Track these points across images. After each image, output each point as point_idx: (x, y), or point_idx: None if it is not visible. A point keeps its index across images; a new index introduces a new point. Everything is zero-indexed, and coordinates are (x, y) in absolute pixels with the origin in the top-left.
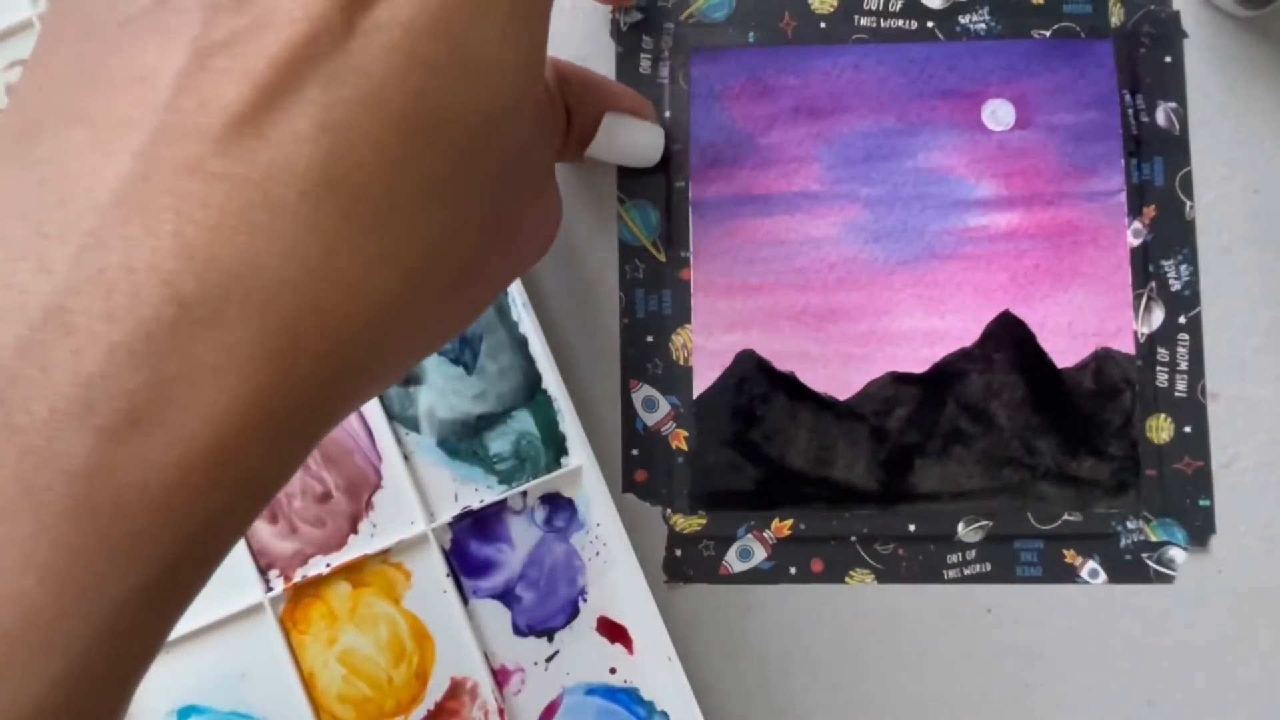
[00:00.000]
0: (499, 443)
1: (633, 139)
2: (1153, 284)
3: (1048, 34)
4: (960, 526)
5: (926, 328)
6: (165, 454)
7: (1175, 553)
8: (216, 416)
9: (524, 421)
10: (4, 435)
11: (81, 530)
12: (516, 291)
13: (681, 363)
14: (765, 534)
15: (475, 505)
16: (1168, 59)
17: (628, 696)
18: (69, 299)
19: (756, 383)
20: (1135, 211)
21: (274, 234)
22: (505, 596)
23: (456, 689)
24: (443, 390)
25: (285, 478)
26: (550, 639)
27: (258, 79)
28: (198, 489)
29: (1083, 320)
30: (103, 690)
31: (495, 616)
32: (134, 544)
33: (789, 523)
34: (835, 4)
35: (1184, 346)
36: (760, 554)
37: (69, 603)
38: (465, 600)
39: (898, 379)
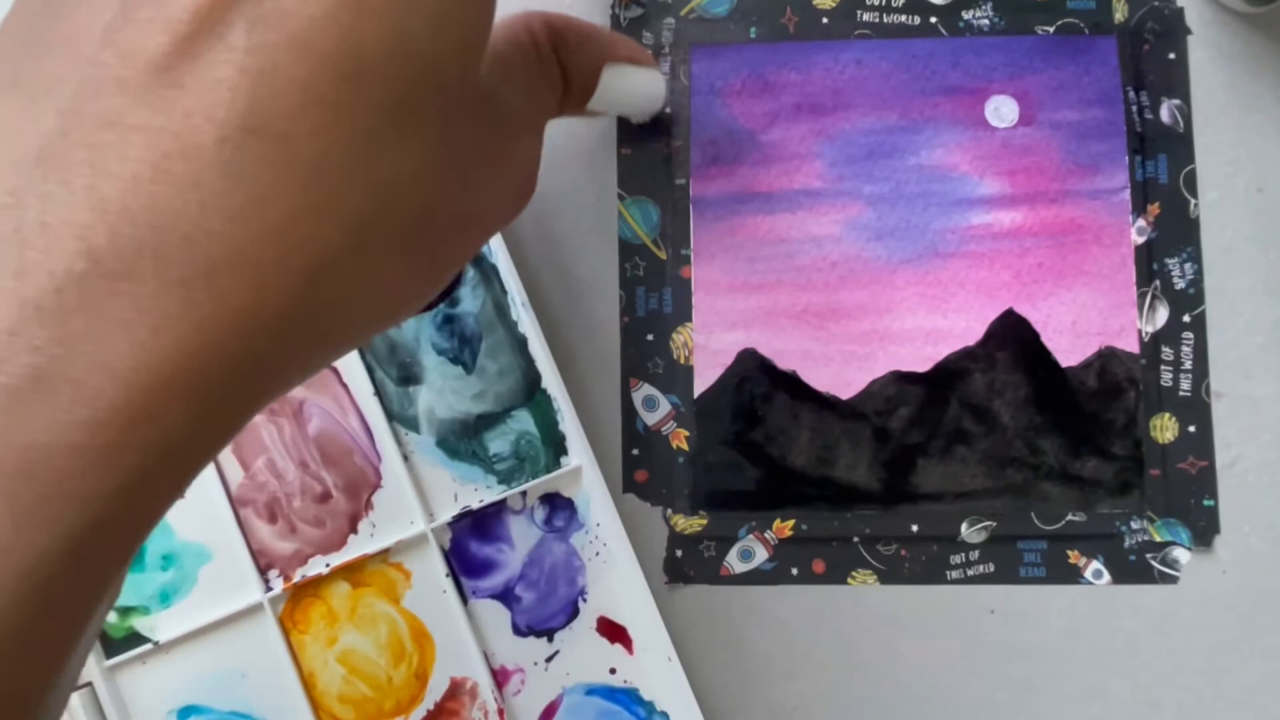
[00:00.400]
0: (498, 442)
1: (634, 88)
2: (1157, 282)
3: (1051, 30)
4: (963, 527)
5: (929, 326)
6: (72, 412)
7: (1179, 553)
8: (127, 372)
9: (523, 421)
10: None
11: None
12: (516, 291)
13: (682, 362)
14: (767, 534)
15: (475, 505)
16: (1172, 56)
17: (628, 697)
18: (17, 233)
19: (758, 382)
20: (1139, 209)
21: (191, 184)
22: (505, 596)
23: (456, 689)
24: (442, 390)
25: (217, 441)
26: (550, 639)
27: (179, 27)
28: (109, 450)
29: (1087, 319)
30: (22, 664)
31: (495, 616)
32: (41, 507)
33: (790, 523)
34: None
35: (1188, 345)
36: (762, 554)
37: None
38: (465, 600)
39: (900, 378)
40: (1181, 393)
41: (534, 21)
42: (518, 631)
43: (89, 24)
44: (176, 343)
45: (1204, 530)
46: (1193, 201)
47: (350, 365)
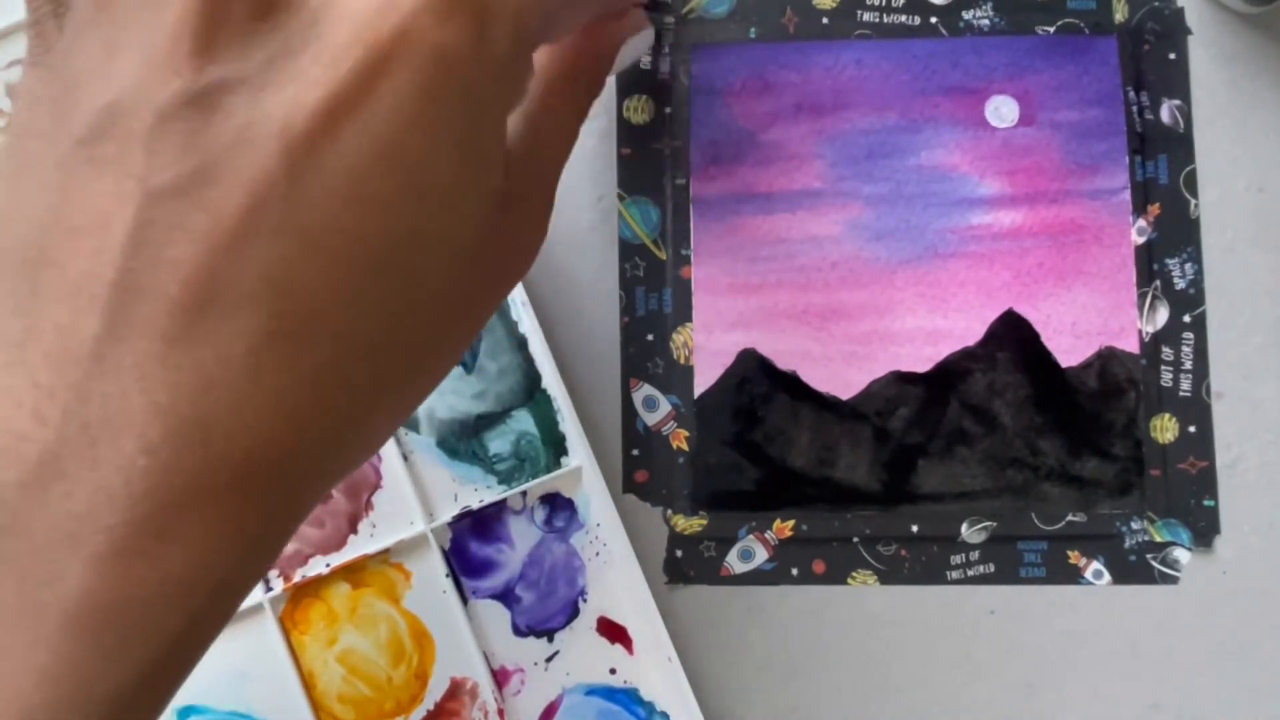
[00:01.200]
0: (498, 442)
1: (627, 53)
2: (1157, 282)
3: (1052, 30)
4: (963, 527)
5: (929, 327)
6: (147, 574)
7: (1180, 553)
8: (189, 541)
9: (523, 421)
10: (9, 561)
11: (73, 639)
12: (516, 291)
13: (682, 362)
14: (767, 535)
15: (475, 505)
16: (1172, 56)
17: (628, 697)
18: (61, 447)
19: (758, 382)
20: (1139, 209)
21: (227, 387)
22: (505, 597)
23: (456, 689)
24: (442, 390)
25: (262, 572)
26: (550, 639)
27: (207, 241)
28: (177, 599)
29: (1087, 319)
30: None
31: (495, 617)
32: (120, 648)
33: (790, 523)
34: None
35: (1188, 345)
36: (762, 555)
37: (63, 701)
38: (465, 600)
39: (900, 378)
40: (1182, 393)
41: (554, 78)
42: (518, 632)
43: (112, 211)
44: (225, 513)
45: (1204, 530)
46: (1193, 202)
47: None
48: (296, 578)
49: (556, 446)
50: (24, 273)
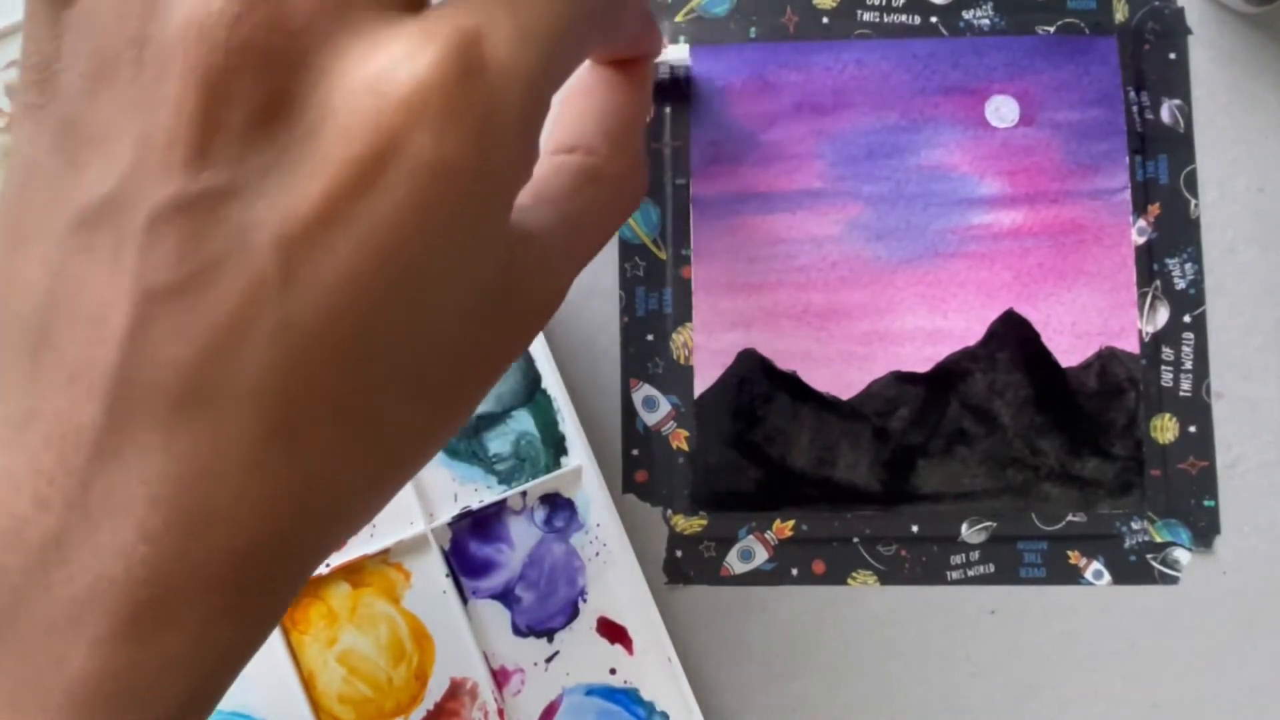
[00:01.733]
0: (498, 442)
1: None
2: (1157, 282)
3: (1052, 30)
4: (963, 527)
5: (930, 327)
6: (148, 657)
7: (1180, 553)
8: (189, 626)
9: (523, 421)
10: (14, 642)
11: (79, 715)
12: None
13: (682, 362)
14: (767, 535)
15: (475, 505)
16: (1172, 56)
17: (628, 697)
18: (63, 533)
19: (758, 382)
20: (1140, 209)
21: (226, 479)
22: (505, 597)
23: (456, 689)
24: None
25: (262, 641)
26: (550, 639)
27: (202, 342)
28: (176, 678)
29: (1087, 319)
30: None
31: (495, 617)
32: None
33: (791, 524)
34: None
35: (1188, 345)
36: (762, 555)
37: None
38: (465, 600)
39: (900, 378)
40: (1182, 393)
41: (598, 148)
42: (518, 632)
43: (109, 303)
44: (223, 602)
45: (1204, 531)
46: (1193, 202)
47: None
48: None
49: (556, 446)
50: (27, 352)
